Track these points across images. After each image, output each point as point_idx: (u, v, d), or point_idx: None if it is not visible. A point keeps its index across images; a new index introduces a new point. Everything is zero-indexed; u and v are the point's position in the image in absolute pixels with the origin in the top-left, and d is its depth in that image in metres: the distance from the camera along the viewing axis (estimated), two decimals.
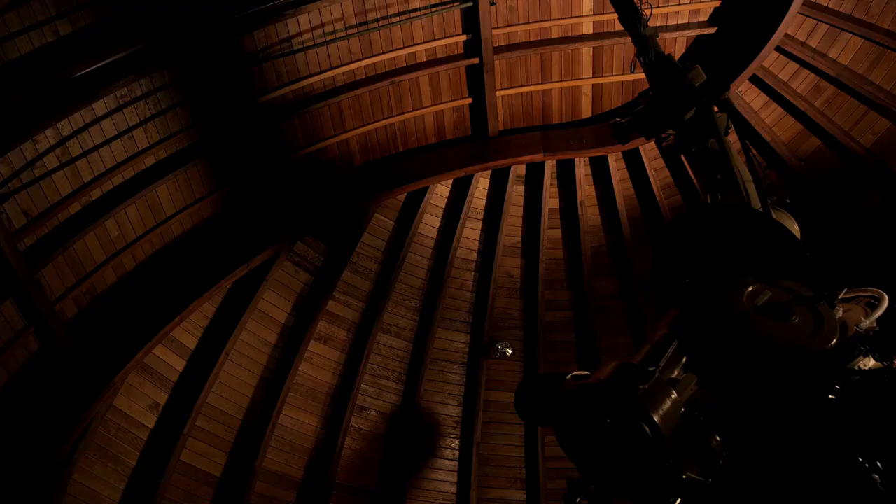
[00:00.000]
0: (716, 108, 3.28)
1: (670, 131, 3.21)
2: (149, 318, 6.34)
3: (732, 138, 3.28)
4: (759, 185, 2.90)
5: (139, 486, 6.32)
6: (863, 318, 2.43)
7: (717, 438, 2.01)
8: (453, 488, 7.63)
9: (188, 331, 6.76)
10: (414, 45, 6.86)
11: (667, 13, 7.06)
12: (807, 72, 6.93)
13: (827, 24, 6.59)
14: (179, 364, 6.72)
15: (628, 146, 7.52)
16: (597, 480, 2.04)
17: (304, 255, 7.46)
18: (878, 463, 1.87)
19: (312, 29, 6.39)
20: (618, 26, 6.92)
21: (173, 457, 6.44)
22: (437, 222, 8.01)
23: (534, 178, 7.98)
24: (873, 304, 2.54)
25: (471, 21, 6.82)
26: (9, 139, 5.11)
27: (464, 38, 6.96)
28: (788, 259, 2.59)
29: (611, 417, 1.93)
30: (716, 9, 7.04)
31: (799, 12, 6.52)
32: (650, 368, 2.06)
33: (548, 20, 7.00)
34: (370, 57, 6.78)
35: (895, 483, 1.89)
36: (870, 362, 2.32)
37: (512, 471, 7.76)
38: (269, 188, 7.08)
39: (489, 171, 7.93)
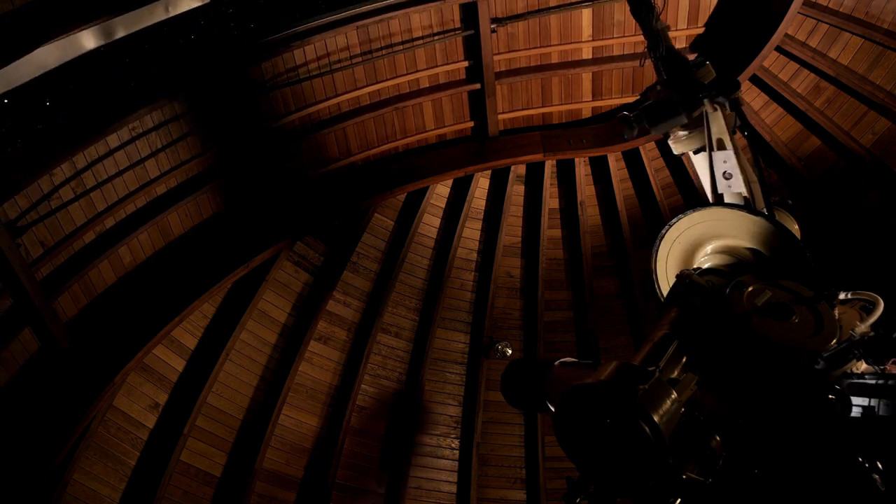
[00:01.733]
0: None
1: (677, 129, 3.14)
2: (149, 318, 6.34)
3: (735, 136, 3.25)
4: (765, 185, 2.89)
5: (139, 486, 6.32)
6: (858, 323, 2.42)
7: (717, 438, 2.01)
8: (453, 488, 7.63)
9: (188, 331, 6.76)
10: (417, 71, 7.03)
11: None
12: (807, 72, 6.93)
13: (827, 24, 6.59)
14: (179, 364, 6.72)
15: (628, 146, 7.54)
16: (596, 480, 2.04)
17: (304, 255, 7.46)
18: (878, 463, 1.87)
19: (318, 59, 6.56)
20: (616, 51, 7.20)
21: (173, 457, 6.44)
22: (437, 222, 8.01)
23: (534, 178, 7.98)
24: (868, 308, 2.52)
25: (472, 47, 6.98)
26: (27, 174, 5.27)
27: (466, 63, 7.11)
28: (789, 259, 2.59)
29: (611, 417, 1.93)
30: (699, 35, 7.11)
31: (799, 12, 6.52)
32: (650, 368, 2.06)
33: (548, 46, 7.14)
34: (374, 83, 6.94)
35: (895, 483, 1.89)
36: (862, 366, 2.32)
37: (512, 471, 7.76)
38: (269, 189, 7.08)
39: (489, 171, 7.94)
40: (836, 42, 6.65)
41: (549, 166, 7.84)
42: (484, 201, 8.10)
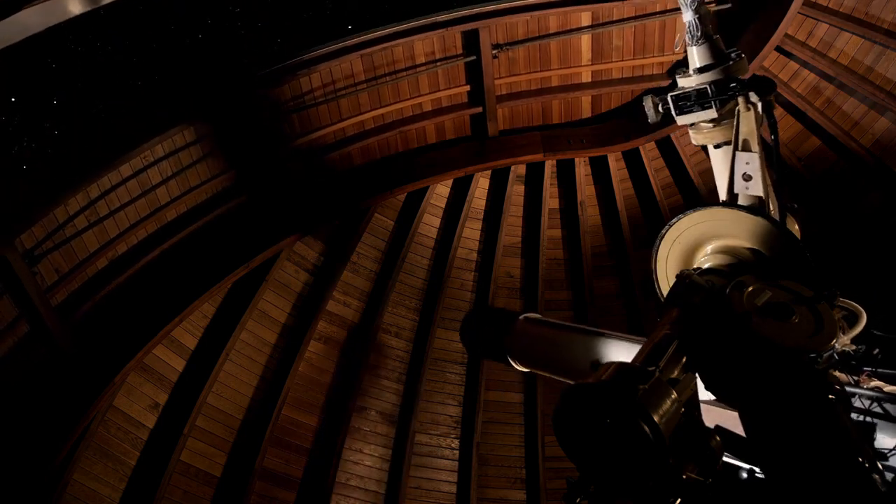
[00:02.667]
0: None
1: (702, 121, 3.03)
2: (149, 318, 6.34)
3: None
4: (781, 191, 2.86)
5: (139, 486, 6.32)
6: (841, 335, 2.39)
7: (717, 438, 2.01)
8: (453, 488, 7.63)
9: (188, 331, 6.76)
10: (420, 95, 7.16)
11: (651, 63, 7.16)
12: (807, 72, 6.94)
13: (827, 24, 6.59)
14: (179, 364, 6.72)
15: (628, 145, 7.54)
16: (596, 480, 2.04)
17: (303, 255, 7.46)
18: (878, 463, 1.87)
19: (324, 86, 6.69)
20: (615, 74, 7.34)
21: (173, 457, 6.44)
22: (437, 222, 8.01)
23: (534, 178, 7.98)
24: (851, 320, 2.48)
25: (474, 72, 7.10)
26: (42, 206, 5.40)
27: (467, 88, 7.24)
28: (789, 259, 2.59)
29: (610, 417, 1.93)
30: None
31: (799, 12, 6.52)
32: (650, 368, 2.06)
33: (548, 70, 7.25)
34: (378, 108, 7.06)
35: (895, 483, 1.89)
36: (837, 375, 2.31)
37: (512, 471, 7.76)
38: (269, 189, 7.09)
39: (489, 171, 7.94)
40: (836, 42, 6.65)
41: (549, 166, 7.84)
42: (484, 201, 8.10)
